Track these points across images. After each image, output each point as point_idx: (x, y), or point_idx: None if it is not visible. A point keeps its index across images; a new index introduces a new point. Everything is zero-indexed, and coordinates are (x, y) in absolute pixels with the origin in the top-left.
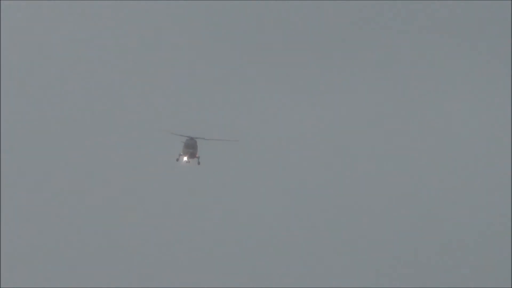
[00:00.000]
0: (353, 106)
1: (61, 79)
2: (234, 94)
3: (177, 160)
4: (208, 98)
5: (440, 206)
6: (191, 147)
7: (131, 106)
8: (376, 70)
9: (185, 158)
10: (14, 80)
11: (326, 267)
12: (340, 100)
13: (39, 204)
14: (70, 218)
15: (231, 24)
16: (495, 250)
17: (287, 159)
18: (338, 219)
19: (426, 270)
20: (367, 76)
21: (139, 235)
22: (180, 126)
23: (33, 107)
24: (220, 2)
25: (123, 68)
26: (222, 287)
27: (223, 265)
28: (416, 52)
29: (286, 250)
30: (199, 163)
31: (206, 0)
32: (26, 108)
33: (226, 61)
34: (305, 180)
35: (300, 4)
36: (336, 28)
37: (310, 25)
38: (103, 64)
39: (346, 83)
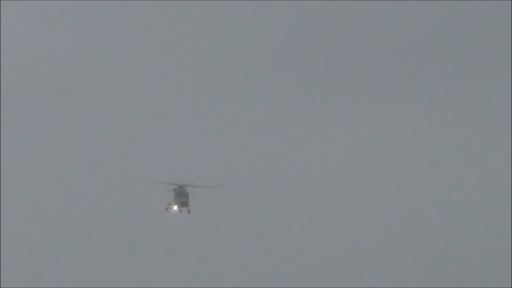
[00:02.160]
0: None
1: (61, 82)
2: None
3: (167, 210)
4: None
5: (439, 205)
6: (183, 196)
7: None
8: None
9: (175, 207)
10: (14, 80)
11: None
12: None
13: (39, 206)
14: (69, 227)
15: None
16: (495, 250)
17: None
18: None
19: (426, 270)
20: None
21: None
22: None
23: (33, 108)
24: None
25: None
26: None
27: None
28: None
29: None
30: (189, 211)
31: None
32: (25, 110)
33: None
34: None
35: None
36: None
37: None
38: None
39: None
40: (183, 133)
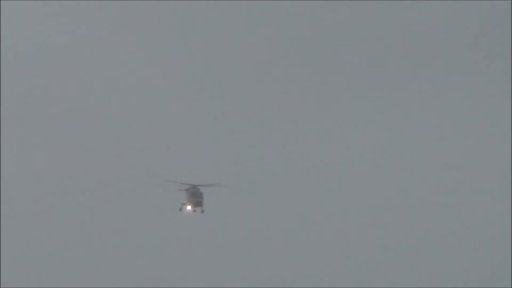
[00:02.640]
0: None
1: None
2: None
3: (180, 210)
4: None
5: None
6: (198, 196)
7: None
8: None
9: (189, 207)
10: (14, 81)
11: None
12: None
13: (39, 205)
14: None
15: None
16: (495, 250)
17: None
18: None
19: (426, 270)
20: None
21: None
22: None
23: (33, 108)
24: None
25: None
26: None
27: None
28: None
29: None
30: (203, 211)
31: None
32: (25, 110)
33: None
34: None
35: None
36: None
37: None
38: (105, 72)
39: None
40: (194, 132)
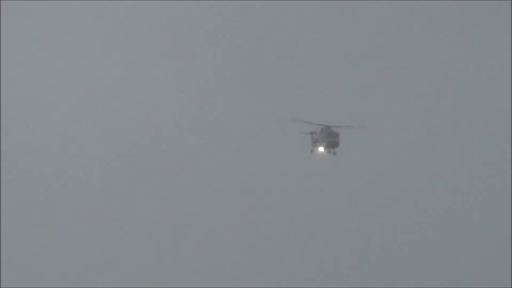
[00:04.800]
0: None
1: (63, 81)
2: None
3: (312, 151)
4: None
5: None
6: (334, 136)
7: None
8: None
9: (321, 149)
10: (14, 81)
11: None
12: None
13: (43, 205)
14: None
15: None
16: (495, 250)
17: None
18: None
19: (426, 270)
20: None
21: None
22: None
23: (34, 107)
24: None
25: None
26: None
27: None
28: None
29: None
30: (335, 153)
31: None
32: (26, 110)
33: None
34: None
35: None
36: None
37: None
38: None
39: None
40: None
